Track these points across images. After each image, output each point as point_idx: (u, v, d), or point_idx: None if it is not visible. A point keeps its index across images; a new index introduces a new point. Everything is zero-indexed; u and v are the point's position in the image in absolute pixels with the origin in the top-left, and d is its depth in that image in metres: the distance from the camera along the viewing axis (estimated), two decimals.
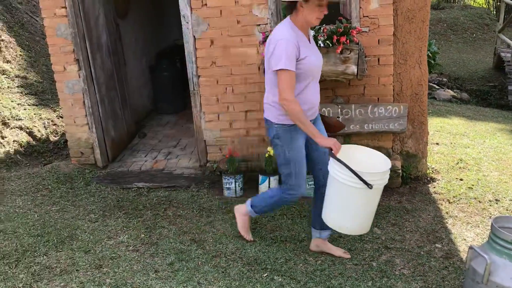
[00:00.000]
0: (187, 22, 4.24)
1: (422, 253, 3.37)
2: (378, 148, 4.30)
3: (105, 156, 4.95)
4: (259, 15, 4.15)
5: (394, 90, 4.27)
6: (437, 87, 9.88)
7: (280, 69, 2.72)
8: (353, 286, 2.97)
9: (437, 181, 4.57)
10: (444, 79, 10.69)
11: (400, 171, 4.35)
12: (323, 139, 2.79)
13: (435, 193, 4.33)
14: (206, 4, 4.18)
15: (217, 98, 4.41)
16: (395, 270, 3.15)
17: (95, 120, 4.76)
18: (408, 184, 4.47)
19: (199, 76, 4.37)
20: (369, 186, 2.58)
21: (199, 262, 3.21)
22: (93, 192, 4.39)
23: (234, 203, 4.10)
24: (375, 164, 2.87)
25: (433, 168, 4.86)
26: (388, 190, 4.37)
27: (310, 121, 2.90)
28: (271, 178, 4.22)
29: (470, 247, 2.14)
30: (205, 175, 4.59)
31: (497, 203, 4.13)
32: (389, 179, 4.35)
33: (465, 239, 3.56)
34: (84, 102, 4.68)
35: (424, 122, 4.43)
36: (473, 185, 4.49)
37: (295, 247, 3.42)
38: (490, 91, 10.34)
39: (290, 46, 2.70)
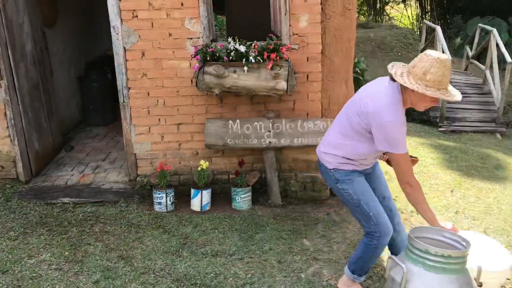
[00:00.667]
0: (117, 33, 4.16)
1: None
2: (308, 161, 4.43)
3: (28, 170, 4.71)
4: (191, 28, 4.15)
5: (322, 105, 4.42)
6: None
7: (400, 153, 2.51)
8: None
9: None
10: None
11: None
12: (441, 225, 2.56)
13: None
14: (137, 16, 4.13)
15: (148, 111, 4.34)
16: (322, 281, 3.23)
17: (17, 132, 4.53)
18: (336, 196, 4.61)
19: (129, 88, 4.29)
20: (478, 284, 2.37)
21: (127, 280, 3.13)
22: (14, 208, 4.15)
23: (165, 218, 4.06)
24: (492, 258, 2.61)
25: None
26: (317, 201, 4.50)
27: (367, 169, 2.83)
28: (204, 192, 4.20)
29: (389, 257, 2.25)
30: (135, 189, 4.49)
31: (418, 214, 4.36)
32: (317, 191, 4.54)
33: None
34: (5, 113, 4.44)
35: None
36: (396, 196, 4.70)
37: (225, 261, 3.42)
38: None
39: (403, 131, 2.49)
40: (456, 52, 15.19)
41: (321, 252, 3.62)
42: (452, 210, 4.55)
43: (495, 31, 9.76)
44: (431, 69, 2.34)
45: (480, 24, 11.60)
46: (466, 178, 5.56)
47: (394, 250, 2.96)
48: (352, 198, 2.75)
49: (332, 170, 2.77)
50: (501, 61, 9.38)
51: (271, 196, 4.36)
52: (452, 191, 5.07)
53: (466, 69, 11.70)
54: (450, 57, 2.44)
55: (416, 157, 2.95)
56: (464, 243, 2.27)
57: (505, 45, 9.44)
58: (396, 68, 2.52)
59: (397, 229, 2.90)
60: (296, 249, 3.63)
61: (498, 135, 8.63)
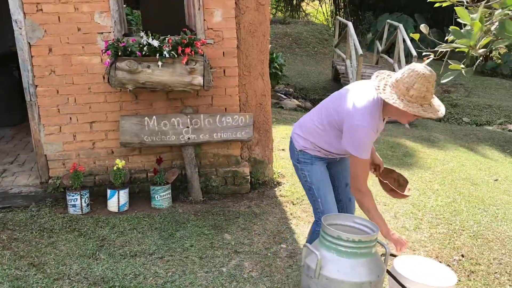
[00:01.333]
0: (20, 28, 3.90)
1: (269, 254, 3.54)
2: (228, 156, 4.45)
3: None
4: (101, 23, 4.00)
5: (240, 100, 4.45)
6: (284, 97, 10.54)
7: (360, 158, 2.52)
8: None
9: (282, 185, 4.86)
10: (291, 90, 11.46)
11: (248, 177, 4.54)
12: (391, 238, 2.66)
13: (281, 196, 4.60)
14: (41, 10, 3.90)
15: (58, 109, 4.13)
16: (243, 274, 3.26)
17: None
18: (256, 189, 4.68)
19: (36, 86, 4.05)
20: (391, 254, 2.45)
21: (38, 287, 2.96)
22: None
23: (80, 221, 3.89)
24: (439, 279, 2.61)
25: (279, 172, 5.16)
26: (238, 195, 4.54)
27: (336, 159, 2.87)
28: (121, 192, 4.08)
29: (304, 245, 2.31)
30: (47, 192, 4.25)
31: None
32: (238, 185, 4.58)
33: (306, 237, 3.83)
34: None
35: (269, 130, 4.69)
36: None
37: (145, 261, 3.34)
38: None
39: (371, 138, 2.49)
40: (368, 47, 15.98)
41: (242, 245, 3.65)
42: None
43: (401, 26, 10.36)
44: (414, 85, 2.30)
45: (388, 20, 12.26)
46: None
47: None
48: (307, 180, 2.83)
49: (298, 151, 2.84)
50: (408, 54, 9.98)
51: (192, 193, 4.33)
52: None
53: (377, 63, 12.33)
54: (433, 72, 2.41)
55: (407, 195, 2.94)
56: (373, 228, 2.39)
57: (411, 40, 10.05)
58: (380, 79, 2.47)
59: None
60: (217, 244, 3.63)
61: (407, 125, 9.19)
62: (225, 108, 4.36)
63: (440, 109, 2.40)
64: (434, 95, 2.42)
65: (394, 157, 6.36)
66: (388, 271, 2.48)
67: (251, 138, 4.36)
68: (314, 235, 2.89)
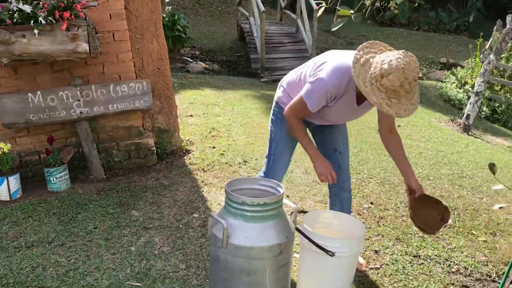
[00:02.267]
0: None
1: (181, 226, 3.38)
2: (129, 127, 4.16)
3: None
4: None
5: (135, 66, 4.14)
6: (190, 60, 10.20)
7: (305, 99, 2.41)
8: (110, 278, 2.78)
9: (192, 152, 4.68)
10: (197, 52, 11.11)
11: (154, 148, 4.30)
12: (317, 163, 2.55)
13: (191, 164, 4.42)
14: None
15: None
16: (154, 250, 3.08)
17: None
18: (164, 160, 4.46)
19: None
20: (329, 253, 2.28)
21: None
22: None
23: None
24: (349, 231, 2.58)
25: (187, 140, 4.96)
26: (144, 168, 4.29)
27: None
28: (10, 179, 3.67)
29: (210, 215, 2.17)
30: None
31: (245, 164, 4.45)
32: (144, 158, 4.32)
33: (219, 204, 3.71)
34: None
35: (171, 96, 4.44)
36: (224, 151, 4.74)
37: (44, 251, 3.04)
38: (238, 61, 11.19)
39: (323, 95, 2.35)
40: (272, 4, 15.87)
41: (151, 220, 3.45)
42: None
43: None
44: (390, 75, 2.08)
45: None
46: None
47: (332, 206, 2.96)
48: (271, 132, 2.80)
49: (275, 102, 2.79)
50: (311, 9, 10.00)
51: (93, 171, 4.02)
52: None
53: (281, 20, 12.28)
54: (417, 73, 2.17)
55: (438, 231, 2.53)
56: (278, 189, 2.30)
57: None
58: (365, 51, 2.24)
59: (341, 186, 2.87)
60: (124, 222, 3.40)
61: None
62: (120, 76, 4.03)
63: (408, 110, 2.15)
64: (413, 95, 2.17)
65: None
66: (297, 229, 2.42)
67: (151, 107, 4.10)
68: None
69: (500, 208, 3.58)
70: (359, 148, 5.05)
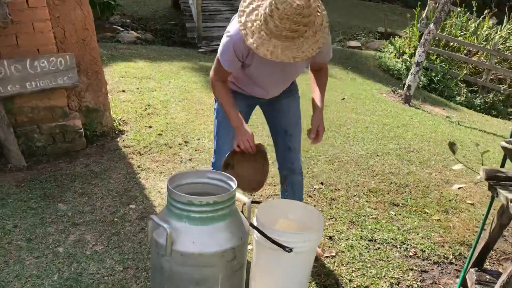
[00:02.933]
0: None
1: (116, 219, 3.01)
2: (51, 108, 3.67)
3: None
4: None
5: (56, 37, 3.61)
6: (121, 29, 9.50)
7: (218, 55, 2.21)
8: (35, 287, 2.39)
9: (126, 133, 4.25)
10: (128, 20, 10.39)
11: (82, 130, 3.83)
12: (237, 128, 2.26)
13: (125, 146, 4.01)
14: None
15: None
16: (86, 250, 2.70)
17: None
18: (94, 143, 4.00)
19: None
20: (286, 249, 2.01)
21: None
22: None
23: None
24: (306, 222, 2.33)
25: (120, 119, 4.50)
26: (72, 153, 3.83)
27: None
28: None
29: (149, 217, 1.83)
30: None
31: (186, 145, 4.10)
32: (70, 142, 3.85)
33: (159, 192, 3.36)
34: None
35: (99, 71, 3.95)
36: (162, 130, 4.35)
37: None
38: (172, 30, 10.59)
39: (231, 50, 2.13)
40: None
41: (81, 214, 3.04)
42: None
43: None
44: (274, 16, 1.87)
45: None
46: None
47: (283, 193, 2.78)
48: (215, 114, 2.55)
49: None
50: None
51: (10, 159, 3.51)
52: None
53: None
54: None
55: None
56: (230, 182, 2.00)
57: None
58: None
59: (290, 167, 2.69)
60: (49, 218, 2.97)
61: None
62: (38, 50, 3.50)
63: (289, 53, 1.94)
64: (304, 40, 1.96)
65: None
66: (251, 225, 2.14)
67: (77, 84, 3.61)
68: None
69: (459, 188, 3.50)
70: (304, 124, 4.82)
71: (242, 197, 2.05)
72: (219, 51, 2.21)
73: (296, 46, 1.95)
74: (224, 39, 2.17)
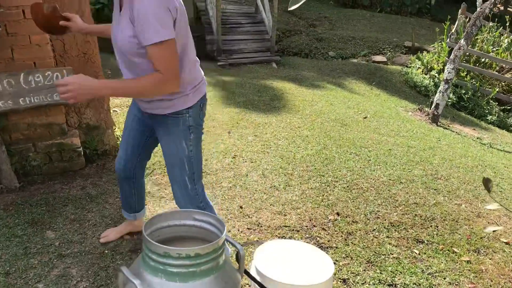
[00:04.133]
0: None
1: (107, 252, 2.73)
2: (49, 125, 3.44)
3: None
4: None
5: (55, 51, 3.39)
6: None
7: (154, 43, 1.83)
8: None
9: None
10: None
11: (80, 149, 3.58)
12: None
13: None
14: None
15: None
16: (69, 286, 2.42)
17: None
18: (94, 162, 3.75)
19: None
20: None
21: None
22: None
23: None
24: (314, 267, 2.05)
25: None
26: (69, 174, 3.58)
27: None
28: None
29: (120, 269, 1.53)
30: None
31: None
32: (68, 161, 3.61)
33: None
34: None
35: None
36: None
37: None
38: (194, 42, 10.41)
39: (166, 10, 1.81)
40: None
41: (70, 244, 2.78)
42: (230, 154, 4.12)
43: None
44: None
45: None
46: (244, 115, 5.23)
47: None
48: None
49: None
50: None
51: (2, 179, 3.28)
52: (229, 132, 4.66)
53: None
54: None
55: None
56: (219, 227, 1.69)
57: None
58: None
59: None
60: (34, 248, 2.71)
61: (274, 64, 8.69)
62: (34, 63, 3.28)
63: None
64: None
65: (261, 102, 5.77)
66: (246, 273, 1.82)
67: None
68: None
69: (494, 231, 3.11)
70: (322, 144, 4.49)
71: (234, 242, 1.73)
72: (150, 26, 1.76)
73: None
74: (152, 4, 1.75)
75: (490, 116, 7.78)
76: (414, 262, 2.82)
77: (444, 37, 8.91)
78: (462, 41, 6.39)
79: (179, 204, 2.28)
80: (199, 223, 1.75)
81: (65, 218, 3.02)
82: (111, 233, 2.81)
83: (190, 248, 1.49)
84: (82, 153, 3.60)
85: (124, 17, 1.87)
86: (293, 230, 3.03)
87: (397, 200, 3.54)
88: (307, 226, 3.09)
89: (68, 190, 3.35)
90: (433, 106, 6.45)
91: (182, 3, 1.94)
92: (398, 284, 2.60)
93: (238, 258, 1.70)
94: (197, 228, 1.75)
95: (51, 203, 3.17)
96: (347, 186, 3.70)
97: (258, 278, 1.93)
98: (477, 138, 6.24)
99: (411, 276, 2.67)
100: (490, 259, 2.94)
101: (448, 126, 6.52)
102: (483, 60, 8.51)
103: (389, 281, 2.62)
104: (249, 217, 3.16)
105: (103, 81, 1.97)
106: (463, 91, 8.14)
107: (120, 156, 2.45)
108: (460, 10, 8.85)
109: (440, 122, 6.49)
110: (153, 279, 1.51)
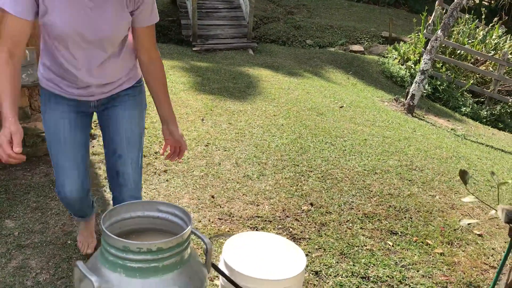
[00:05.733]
0: None
1: (70, 242, 2.59)
2: None
3: None
4: None
5: None
6: None
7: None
8: None
9: (98, 138, 3.83)
10: None
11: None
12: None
13: (94, 154, 3.59)
14: None
15: None
16: (26, 280, 2.29)
17: None
18: None
19: None
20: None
21: None
22: None
23: None
24: (285, 261, 1.93)
25: (95, 122, 4.08)
26: (33, 160, 3.41)
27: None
28: None
29: (75, 265, 1.42)
30: None
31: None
32: (31, 146, 3.44)
33: None
34: None
35: None
36: None
37: None
38: (169, 26, 10.19)
39: None
40: None
41: (30, 234, 2.63)
42: (203, 142, 4.00)
43: None
44: None
45: None
46: (218, 102, 5.10)
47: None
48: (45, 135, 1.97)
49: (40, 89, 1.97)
50: None
51: None
52: (203, 119, 4.53)
53: None
54: None
55: None
56: (184, 217, 1.59)
57: None
58: None
59: (119, 196, 2.08)
60: None
61: (251, 51, 8.56)
62: None
63: None
64: None
65: (236, 89, 5.65)
66: (215, 267, 1.73)
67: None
68: None
69: (468, 224, 3.09)
70: (298, 133, 4.41)
71: (201, 236, 1.63)
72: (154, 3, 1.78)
73: None
74: None
75: (464, 108, 7.85)
76: (387, 254, 2.77)
77: (421, 28, 8.92)
78: (439, 32, 6.38)
79: (133, 191, 2.04)
80: (164, 214, 1.64)
81: (26, 206, 2.87)
82: (89, 241, 2.49)
83: (152, 242, 1.39)
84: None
85: (111, 5, 1.70)
86: (265, 220, 2.95)
87: (371, 191, 3.50)
88: (280, 217, 3.01)
89: (31, 176, 3.19)
90: (409, 97, 6.44)
91: None
92: (371, 277, 2.54)
93: (205, 252, 1.60)
94: (162, 220, 1.64)
95: (12, 190, 3.01)
96: (322, 176, 3.64)
97: (227, 272, 1.84)
98: (451, 129, 6.27)
99: (384, 269, 2.62)
100: (463, 251, 2.92)
101: (423, 117, 6.53)
102: (458, 52, 8.56)
103: (362, 273, 2.56)
104: (220, 207, 3.06)
105: None
106: (438, 83, 8.18)
107: (73, 179, 1.95)
108: (437, 1, 8.87)
109: (415, 112, 6.50)
110: (111, 275, 1.40)
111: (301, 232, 2.87)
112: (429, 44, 6.52)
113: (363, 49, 9.86)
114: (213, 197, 3.18)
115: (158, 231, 1.65)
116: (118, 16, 1.72)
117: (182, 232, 1.46)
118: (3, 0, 1.58)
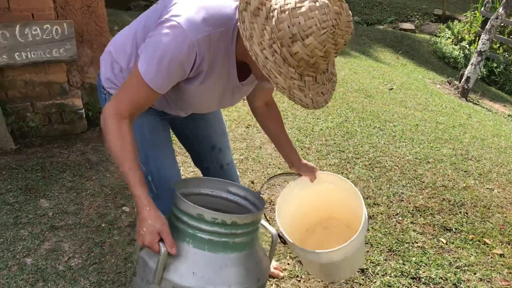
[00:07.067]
0: None
1: (103, 225, 2.50)
2: (48, 84, 3.18)
3: None
4: None
5: (56, 1, 3.09)
6: None
7: (138, 69, 1.31)
8: None
9: None
10: None
11: (82, 110, 3.32)
12: (143, 217, 1.28)
13: None
14: None
15: None
16: (58, 264, 2.21)
17: None
18: (97, 126, 3.49)
19: None
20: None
21: None
22: None
23: None
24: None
25: None
26: (70, 137, 3.35)
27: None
28: None
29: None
30: None
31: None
32: (69, 123, 3.36)
33: None
34: None
35: (107, 43, 3.41)
36: None
37: None
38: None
39: (176, 63, 1.27)
40: None
41: (64, 215, 2.55)
42: (244, 124, 3.83)
43: None
44: (308, 37, 1.15)
45: None
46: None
47: None
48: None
49: (104, 90, 1.62)
50: None
51: None
52: (244, 99, 4.34)
53: None
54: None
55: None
56: (258, 204, 1.45)
57: None
58: None
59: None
60: (26, 218, 2.50)
61: None
62: (32, 15, 2.99)
63: (323, 98, 1.30)
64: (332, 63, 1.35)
65: None
66: (281, 238, 1.60)
67: (75, 57, 3.08)
68: None
69: None
70: (344, 117, 4.17)
71: (269, 227, 1.49)
72: (148, 56, 1.29)
73: (325, 79, 1.30)
74: (168, 30, 1.25)
75: None
76: (440, 253, 2.54)
77: (478, 5, 8.34)
78: (500, 10, 5.90)
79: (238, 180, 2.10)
80: (233, 196, 1.52)
81: (62, 186, 2.79)
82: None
83: (228, 214, 1.25)
84: (84, 115, 3.35)
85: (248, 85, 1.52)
86: None
87: (423, 182, 3.24)
88: None
89: (67, 155, 3.12)
90: (463, 80, 6.03)
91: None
92: (422, 277, 2.33)
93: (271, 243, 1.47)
94: (229, 202, 1.52)
95: (48, 168, 2.94)
96: (369, 164, 3.40)
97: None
98: (509, 115, 5.84)
99: (437, 269, 2.40)
100: None
101: (478, 101, 6.12)
102: None
103: (413, 273, 2.35)
104: (260, 193, 2.89)
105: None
106: (495, 65, 7.65)
107: (177, 174, 1.70)
108: None
109: (469, 96, 6.09)
110: (178, 244, 1.26)
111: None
112: (488, 23, 6.04)
113: (413, 27, 9.36)
114: (252, 182, 3.02)
115: (223, 212, 1.51)
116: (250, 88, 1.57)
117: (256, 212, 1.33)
118: (146, 68, 1.30)
